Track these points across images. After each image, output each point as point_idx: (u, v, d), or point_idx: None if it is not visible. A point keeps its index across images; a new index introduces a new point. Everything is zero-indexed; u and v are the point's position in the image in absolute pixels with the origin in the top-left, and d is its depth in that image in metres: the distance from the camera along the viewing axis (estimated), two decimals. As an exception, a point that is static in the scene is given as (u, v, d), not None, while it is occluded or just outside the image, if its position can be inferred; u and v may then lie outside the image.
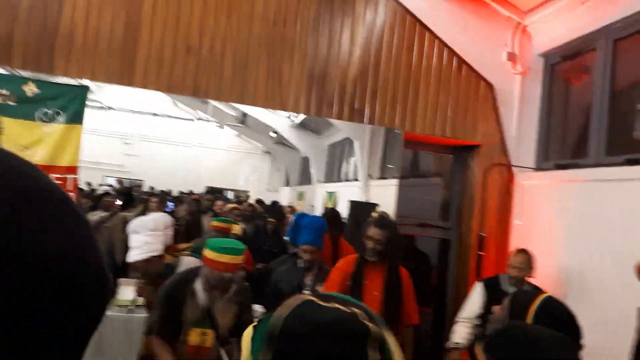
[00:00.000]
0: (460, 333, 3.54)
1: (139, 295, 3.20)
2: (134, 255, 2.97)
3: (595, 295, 3.54)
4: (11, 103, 3.95)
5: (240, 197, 17.47)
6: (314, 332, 0.72)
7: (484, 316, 3.33)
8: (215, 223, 4.57)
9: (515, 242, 4.50)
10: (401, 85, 4.53)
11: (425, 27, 4.58)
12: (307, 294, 2.91)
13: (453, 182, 5.23)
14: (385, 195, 7.71)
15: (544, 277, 3.74)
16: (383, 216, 3.43)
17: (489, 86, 4.69)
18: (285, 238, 5.98)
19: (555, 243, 4.02)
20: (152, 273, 3.06)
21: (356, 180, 9.94)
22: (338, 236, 4.78)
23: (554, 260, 3.95)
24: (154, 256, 3.01)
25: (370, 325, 0.72)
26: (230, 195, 18.94)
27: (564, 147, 4.62)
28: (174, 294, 2.74)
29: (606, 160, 3.84)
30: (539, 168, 4.67)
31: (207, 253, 2.61)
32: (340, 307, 0.75)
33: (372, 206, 7.23)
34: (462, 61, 4.63)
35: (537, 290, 1.84)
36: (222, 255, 2.59)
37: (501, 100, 4.69)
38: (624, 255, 3.20)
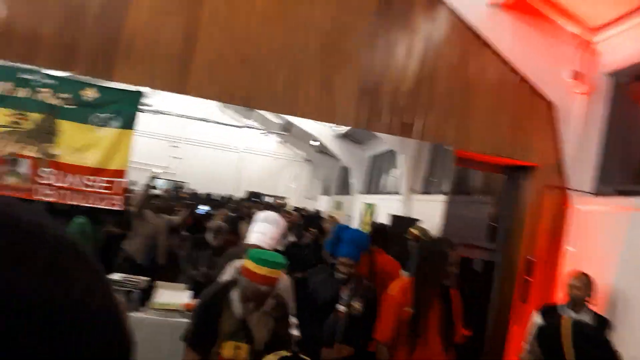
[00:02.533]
0: None
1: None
2: (256, 238, 3.14)
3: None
4: (70, 106, 4.08)
5: (278, 204, 17.55)
6: None
7: None
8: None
9: (567, 269, 4.27)
10: (456, 102, 4.41)
11: (484, 42, 4.44)
12: (341, 308, 2.81)
13: (503, 202, 5.04)
14: (427, 211, 7.54)
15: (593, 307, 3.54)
16: (451, 240, 3.31)
17: (549, 104, 4.50)
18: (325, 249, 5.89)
19: (609, 272, 3.79)
20: None
21: (397, 193, 9.79)
22: (376, 250, 4.66)
23: (604, 291, 3.72)
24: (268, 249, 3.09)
25: None
26: (268, 200, 19.05)
27: (626, 172, 4.37)
28: (211, 303, 2.69)
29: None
30: (597, 193, 4.43)
31: (247, 263, 2.57)
32: None
33: (413, 221, 7.09)
34: (521, 78, 4.47)
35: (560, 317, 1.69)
36: (261, 268, 2.54)
37: (562, 120, 4.49)
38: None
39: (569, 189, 4.49)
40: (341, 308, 3.33)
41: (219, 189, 17.84)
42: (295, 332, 4.03)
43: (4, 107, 3.94)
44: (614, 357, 1.54)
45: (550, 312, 3.45)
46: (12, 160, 3.95)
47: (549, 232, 4.50)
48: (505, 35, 4.46)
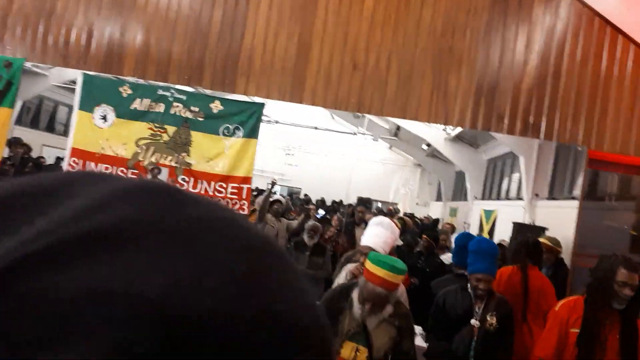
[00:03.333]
0: None
1: (354, 274, 3.26)
2: (371, 240, 3.23)
3: None
4: (200, 119, 4.46)
5: (390, 210, 17.43)
6: None
7: None
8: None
9: None
10: (586, 97, 4.02)
11: (617, 30, 4.00)
12: (473, 323, 2.67)
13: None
14: (555, 218, 6.96)
15: None
16: (628, 257, 2.98)
17: (702, 96, 3.92)
18: (446, 258, 5.67)
19: None
20: None
21: (519, 199, 9.17)
22: (527, 267, 4.37)
23: None
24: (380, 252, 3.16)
25: None
26: (379, 207, 19.02)
27: None
28: (333, 301, 2.75)
29: None
30: None
31: (367, 264, 2.62)
32: None
33: (540, 230, 6.58)
34: (666, 67, 3.95)
35: None
36: (380, 270, 2.56)
37: None
38: None
39: None
40: (475, 323, 3.19)
41: (331, 195, 18.21)
42: (422, 343, 3.96)
43: (146, 122, 4.44)
44: None
45: None
46: (154, 169, 4.41)
47: None
48: (645, 19, 3.98)
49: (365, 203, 12.83)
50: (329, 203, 15.47)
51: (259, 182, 17.78)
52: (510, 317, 3.32)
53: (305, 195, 18.17)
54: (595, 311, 2.82)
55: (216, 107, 4.46)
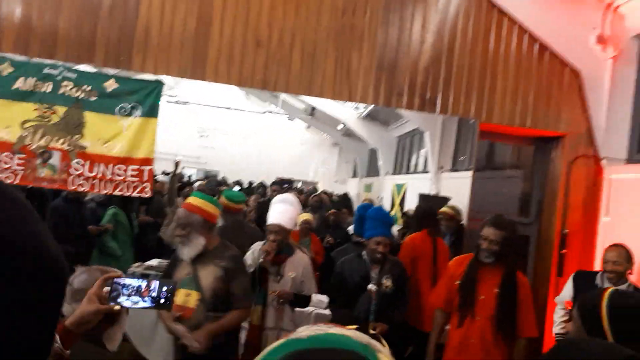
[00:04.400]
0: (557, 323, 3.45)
1: (266, 253, 3.23)
2: (277, 217, 3.29)
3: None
4: (93, 98, 4.19)
5: (307, 188, 17.62)
6: None
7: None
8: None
9: (603, 240, 4.14)
10: (477, 73, 4.29)
11: (502, 12, 4.30)
12: (370, 287, 2.83)
13: (533, 175, 4.91)
14: (457, 188, 7.42)
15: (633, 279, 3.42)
16: (500, 215, 3.28)
17: (575, 72, 4.33)
18: (349, 229, 5.90)
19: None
20: (281, 241, 3.29)
21: (426, 172, 9.66)
22: (436, 235, 4.67)
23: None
24: (288, 229, 3.31)
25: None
26: (298, 186, 19.15)
27: (661, 137, 4.17)
28: (169, 266, 3.14)
29: None
30: (631, 160, 4.25)
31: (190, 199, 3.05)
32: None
33: (444, 200, 6.99)
34: (544, 46, 4.31)
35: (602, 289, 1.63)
36: (196, 199, 2.94)
37: (589, 87, 4.31)
38: None
39: (600, 157, 4.33)
40: (372, 287, 3.36)
41: (250, 177, 18.04)
42: (326, 311, 4.08)
43: (31, 102, 4.08)
44: None
45: (584, 278, 3.38)
46: (43, 152, 4.09)
47: (582, 203, 4.37)
48: (525, 4, 4.30)
49: (282, 183, 12.87)
50: (246, 185, 15.32)
51: (172, 167, 17.19)
52: (403, 277, 3.54)
53: (223, 178, 17.84)
54: (473, 266, 3.14)
55: (110, 85, 4.20)
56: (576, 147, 4.36)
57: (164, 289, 1.42)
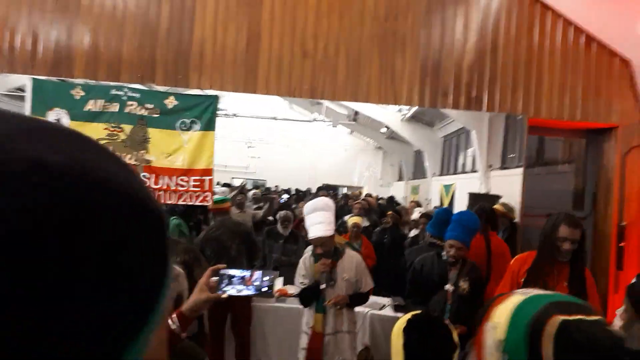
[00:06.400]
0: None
1: (323, 270, 3.31)
2: (314, 231, 3.28)
3: None
4: (155, 115, 4.51)
5: (354, 194, 17.70)
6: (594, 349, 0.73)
7: None
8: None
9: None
10: (523, 69, 4.29)
11: (545, 6, 4.29)
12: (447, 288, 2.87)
13: (586, 168, 4.82)
14: (508, 186, 7.33)
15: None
16: (569, 213, 3.23)
17: (625, 62, 4.25)
18: (427, 231, 5.97)
19: None
20: (329, 250, 3.33)
21: (474, 171, 9.57)
22: (488, 232, 4.68)
23: None
24: (331, 235, 3.31)
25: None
26: (344, 191, 19.27)
27: None
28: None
29: None
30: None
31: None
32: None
33: (494, 198, 6.93)
34: (590, 38, 4.26)
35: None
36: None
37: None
38: None
39: (656, 147, 4.22)
40: (449, 287, 3.38)
41: (297, 185, 18.34)
42: (381, 312, 4.16)
43: (101, 122, 4.45)
44: None
45: None
46: None
47: (638, 194, 4.26)
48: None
49: (327, 189, 13.03)
50: (293, 192, 15.60)
51: (222, 177, 17.73)
52: (481, 281, 3.54)
53: (276, 186, 18.23)
54: (538, 263, 3.06)
55: (171, 102, 4.51)
56: (630, 138, 4.27)
57: (266, 278, 1.61)
